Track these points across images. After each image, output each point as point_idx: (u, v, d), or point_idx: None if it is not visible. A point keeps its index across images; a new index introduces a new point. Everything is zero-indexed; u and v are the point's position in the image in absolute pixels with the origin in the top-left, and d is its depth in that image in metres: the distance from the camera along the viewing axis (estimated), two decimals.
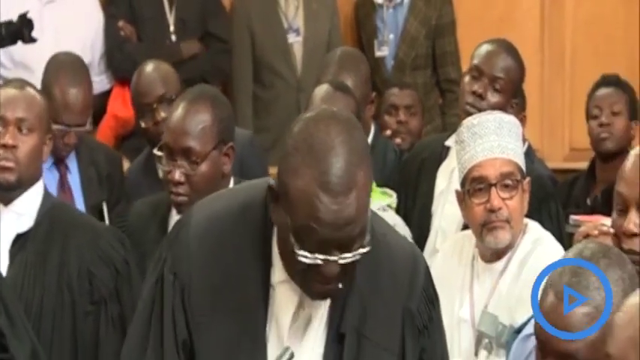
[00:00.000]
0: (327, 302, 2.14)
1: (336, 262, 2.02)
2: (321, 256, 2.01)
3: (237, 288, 2.12)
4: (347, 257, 2.03)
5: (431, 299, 2.22)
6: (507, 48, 3.86)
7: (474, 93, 3.72)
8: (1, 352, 2.76)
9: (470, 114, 3.53)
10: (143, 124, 3.92)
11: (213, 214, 2.18)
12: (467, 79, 3.77)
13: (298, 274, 2.08)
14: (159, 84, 3.92)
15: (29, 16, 4.28)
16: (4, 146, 3.00)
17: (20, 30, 4.27)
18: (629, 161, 2.72)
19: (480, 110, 3.54)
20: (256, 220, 2.13)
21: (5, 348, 2.76)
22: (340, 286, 2.10)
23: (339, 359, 2.13)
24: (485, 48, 3.82)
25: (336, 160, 2.00)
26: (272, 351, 2.12)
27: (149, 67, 3.98)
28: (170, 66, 4.07)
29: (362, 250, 2.04)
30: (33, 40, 4.24)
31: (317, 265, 2.02)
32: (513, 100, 3.80)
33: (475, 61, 3.79)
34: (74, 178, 3.86)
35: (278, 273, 2.12)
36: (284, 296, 2.13)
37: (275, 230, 2.11)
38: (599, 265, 2.14)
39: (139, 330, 2.18)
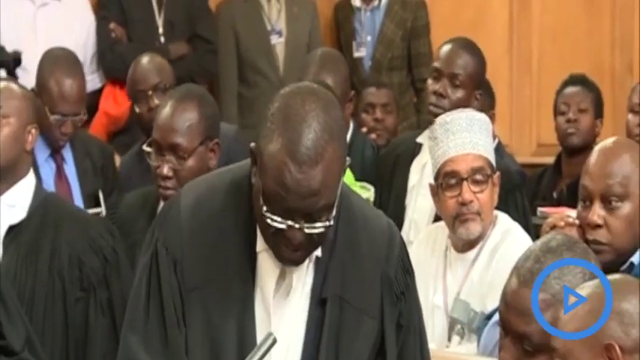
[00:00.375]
0: (309, 270, 2.15)
1: (300, 229, 2.03)
2: (287, 222, 2.02)
3: (226, 258, 2.13)
4: (311, 227, 2.03)
5: (407, 268, 2.22)
6: (464, 45, 3.85)
7: (435, 93, 3.72)
8: None
9: (435, 114, 3.54)
10: (138, 109, 3.97)
11: (201, 193, 2.18)
12: (429, 81, 3.78)
13: (269, 238, 2.09)
14: (154, 73, 3.97)
15: (21, 52, 4.33)
16: None
17: (8, 62, 4.31)
18: (593, 156, 2.73)
19: (443, 109, 3.53)
20: (242, 194, 2.14)
21: (1, 335, 2.74)
22: (320, 254, 2.11)
23: (322, 323, 2.13)
24: (443, 49, 3.83)
25: (307, 132, 2.00)
26: (259, 316, 2.13)
27: (145, 58, 4.04)
28: (164, 59, 4.10)
29: (327, 224, 2.04)
30: (15, 77, 4.25)
31: (283, 230, 2.04)
32: (476, 92, 3.78)
33: (435, 64, 3.80)
34: (70, 169, 3.84)
35: (260, 242, 2.12)
36: (267, 263, 2.13)
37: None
38: (561, 255, 2.14)
39: (139, 304, 2.16)
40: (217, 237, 2.13)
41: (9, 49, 4.43)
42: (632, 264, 2.70)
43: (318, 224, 2.03)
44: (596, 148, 2.76)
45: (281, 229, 2.03)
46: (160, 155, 3.06)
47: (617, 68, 5.68)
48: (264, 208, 2.03)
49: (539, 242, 2.22)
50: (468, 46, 3.85)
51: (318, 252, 2.13)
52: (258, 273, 2.13)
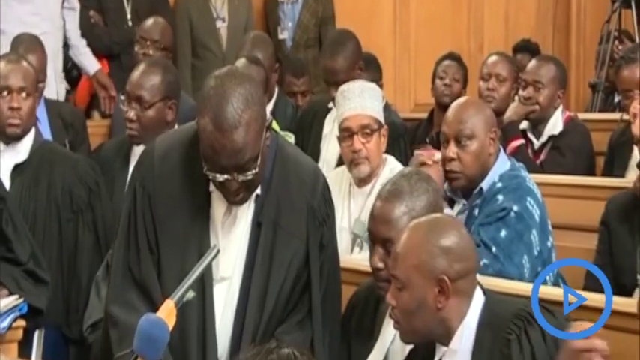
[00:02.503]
0: (251, 204, 2.14)
1: (235, 180, 2.03)
2: (223, 176, 2.02)
3: (188, 196, 2.12)
4: (242, 176, 2.03)
5: (328, 201, 2.22)
6: (333, 41, 3.90)
7: (326, 82, 3.83)
8: (9, 252, 2.71)
9: (331, 94, 3.61)
10: (137, 49, 4.01)
11: (170, 144, 2.17)
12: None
13: (216, 187, 2.09)
14: (157, 33, 4.02)
15: None
16: (12, 109, 2.98)
17: None
18: (450, 110, 2.80)
19: (337, 86, 3.49)
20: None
21: (11, 249, 2.71)
22: (259, 192, 2.10)
23: (258, 243, 2.13)
24: (322, 51, 3.86)
25: (226, 105, 1.99)
26: (214, 240, 2.13)
27: (153, 19, 4.09)
28: (168, 24, 4.13)
29: (254, 171, 2.03)
30: None
31: (223, 182, 2.03)
32: (357, 65, 3.79)
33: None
34: (45, 127, 3.73)
35: (211, 184, 2.11)
36: (217, 200, 2.13)
37: None
38: (411, 179, 2.18)
39: (122, 236, 2.16)
40: (181, 179, 2.12)
41: (11, 34, 4.24)
42: (481, 189, 2.77)
43: (248, 173, 2.02)
44: (452, 105, 2.82)
45: (221, 181, 2.03)
46: (129, 103, 3.06)
47: (472, 48, 5.78)
48: (205, 168, 2.03)
49: (398, 175, 2.25)
50: (337, 40, 3.91)
51: (258, 191, 2.13)
52: (212, 208, 2.13)
